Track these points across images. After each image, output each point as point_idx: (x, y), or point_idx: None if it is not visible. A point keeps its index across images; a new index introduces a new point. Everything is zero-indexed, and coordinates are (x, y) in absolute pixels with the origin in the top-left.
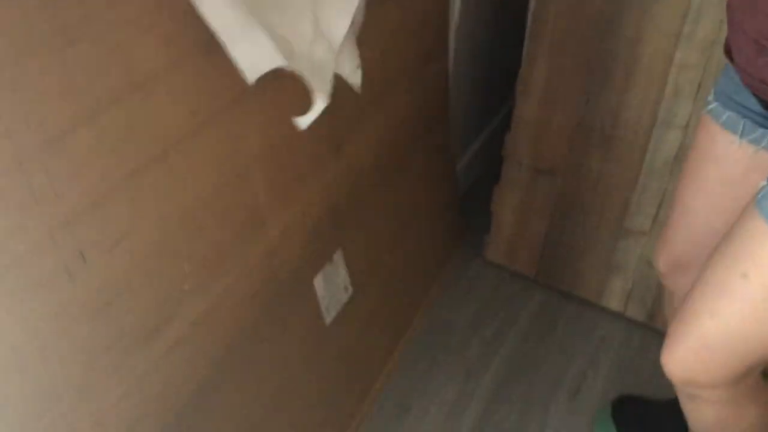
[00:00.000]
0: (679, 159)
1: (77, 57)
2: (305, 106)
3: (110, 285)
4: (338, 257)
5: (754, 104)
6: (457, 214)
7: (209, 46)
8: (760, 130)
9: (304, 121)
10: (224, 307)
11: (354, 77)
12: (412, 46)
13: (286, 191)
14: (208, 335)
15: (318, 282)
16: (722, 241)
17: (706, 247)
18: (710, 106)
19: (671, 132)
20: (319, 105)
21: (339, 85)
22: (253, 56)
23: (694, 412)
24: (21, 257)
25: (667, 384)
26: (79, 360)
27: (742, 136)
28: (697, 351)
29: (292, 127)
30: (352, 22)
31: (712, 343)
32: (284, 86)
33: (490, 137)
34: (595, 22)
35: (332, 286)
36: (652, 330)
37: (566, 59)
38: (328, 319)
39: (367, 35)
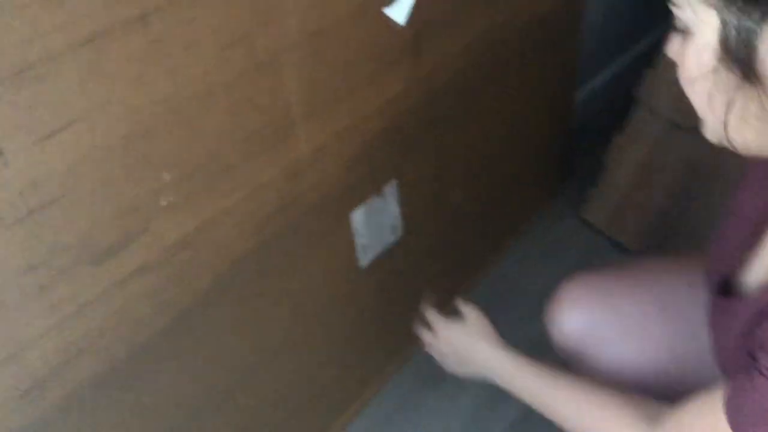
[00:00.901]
0: None
1: None
2: None
3: (40, 187)
4: (390, 190)
5: None
6: (559, 158)
7: None
8: None
9: (399, 13)
10: (218, 231)
11: None
12: None
13: (331, 98)
14: (190, 264)
15: (357, 216)
16: None
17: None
18: None
19: None
20: None
21: None
22: None
23: None
24: None
25: None
26: None
27: None
28: None
29: (351, 11)
30: None
31: None
32: None
33: (622, 71)
34: None
35: (375, 224)
36: None
37: None
38: (364, 261)
39: None
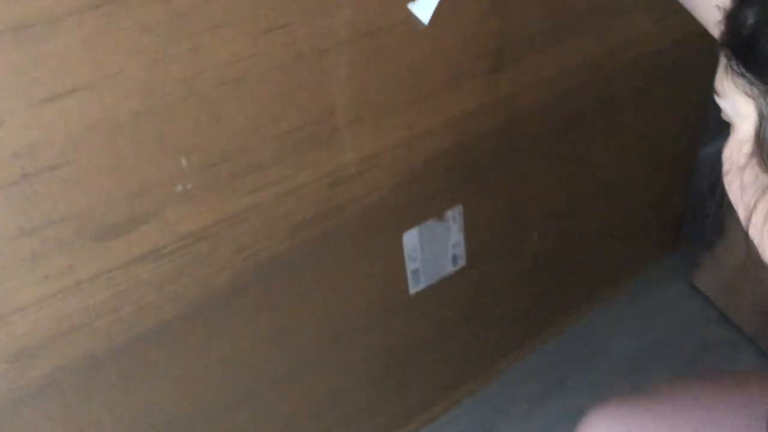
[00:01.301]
0: None
1: None
2: None
3: (37, 151)
4: (454, 215)
5: None
6: (676, 215)
7: None
8: None
9: (423, 10)
10: (242, 229)
11: None
12: None
13: (384, 106)
14: (207, 258)
15: (410, 237)
16: None
17: None
18: None
19: None
20: None
21: None
22: None
23: None
24: None
25: None
26: None
27: None
28: None
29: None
30: None
31: None
32: None
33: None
34: None
35: (432, 250)
36: None
37: None
38: (414, 288)
39: None
